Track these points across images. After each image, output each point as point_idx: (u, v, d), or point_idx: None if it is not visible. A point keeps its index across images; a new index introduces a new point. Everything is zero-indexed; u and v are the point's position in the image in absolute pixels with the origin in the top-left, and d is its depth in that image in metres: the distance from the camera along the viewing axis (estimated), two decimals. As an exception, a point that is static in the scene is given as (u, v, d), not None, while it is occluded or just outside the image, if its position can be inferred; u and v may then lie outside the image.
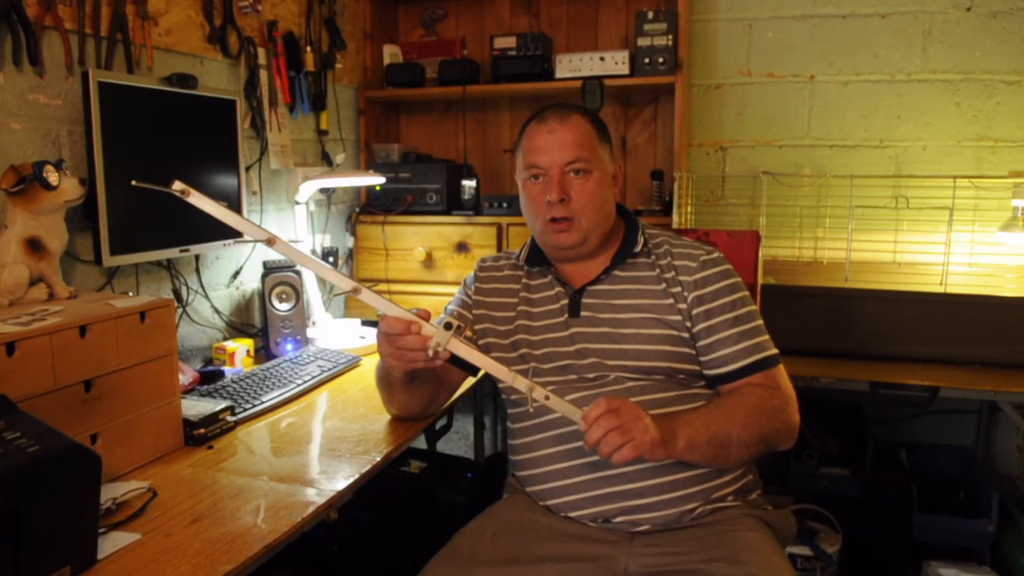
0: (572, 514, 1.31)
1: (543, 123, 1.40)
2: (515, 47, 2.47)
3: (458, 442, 2.86)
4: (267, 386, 1.69)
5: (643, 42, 2.35)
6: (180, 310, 1.89)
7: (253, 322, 2.16)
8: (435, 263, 2.50)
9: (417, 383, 1.43)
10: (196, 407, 1.46)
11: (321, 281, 2.27)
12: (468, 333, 1.17)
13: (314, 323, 2.20)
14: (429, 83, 2.60)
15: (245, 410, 1.56)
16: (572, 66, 2.41)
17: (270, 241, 1.10)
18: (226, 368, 1.86)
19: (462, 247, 2.47)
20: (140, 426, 1.32)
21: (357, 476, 1.29)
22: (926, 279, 2.12)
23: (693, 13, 2.48)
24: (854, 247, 2.20)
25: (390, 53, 2.67)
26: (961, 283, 2.10)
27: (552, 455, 1.33)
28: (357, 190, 2.63)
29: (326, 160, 2.46)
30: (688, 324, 1.35)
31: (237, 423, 1.51)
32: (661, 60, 2.34)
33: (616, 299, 1.39)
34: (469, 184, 2.47)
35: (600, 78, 2.35)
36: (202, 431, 1.43)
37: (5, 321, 1.17)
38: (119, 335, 1.27)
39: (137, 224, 1.62)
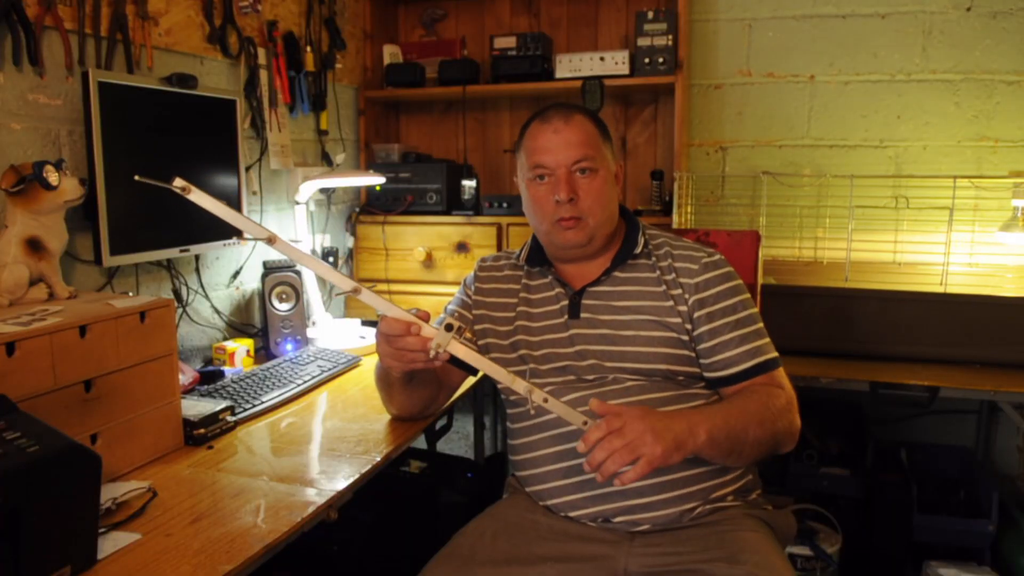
0: (572, 514, 1.31)
1: (547, 123, 1.39)
2: (515, 47, 2.47)
3: (458, 442, 2.86)
4: (267, 386, 1.69)
5: (643, 42, 2.35)
6: (180, 310, 1.89)
7: (253, 322, 2.16)
8: (435, 263, 2.50)
9: (416, 383, 1.43)
10: (196, 407, 1.47)
11: (321, 281, 2.27)
12: (468, 335, 1.16)
13: (314, 323, 2.20)
14: (429, 83, 2.60)
15: (245, 410, 1.56)
16: (572, 66, 2.41)
17: (270, 239, 1.09)
18: (226, 368, 1.86)
19: (462, 247, 2.47)
20: (140, 426, 1.32)
21: (357, 476, 1.29)
22: (926, 279, 2.12)
23: (693, 13, 2.48)
24: (854, 247, 2.20)
25: (390, 53, 2.67)
26: (961, 283, 2.10)
27: (552, 455, 1.33)
28: (357, 190, 2.63)
29: (326, 160, 2.46)
30: (688, 327, 1.35)
31: (237, 423, 1.51)
32: (661, 60, 2.34)
33: (616, 300, 1.39)
34: (469, 184, 2.47)
35: (600, 78, 2.35)
36: (202, 431, 1.43)
37: (5, 321, 1.17)
38: (119, 335, 1.27)
39: (137, 224, 1.62)
